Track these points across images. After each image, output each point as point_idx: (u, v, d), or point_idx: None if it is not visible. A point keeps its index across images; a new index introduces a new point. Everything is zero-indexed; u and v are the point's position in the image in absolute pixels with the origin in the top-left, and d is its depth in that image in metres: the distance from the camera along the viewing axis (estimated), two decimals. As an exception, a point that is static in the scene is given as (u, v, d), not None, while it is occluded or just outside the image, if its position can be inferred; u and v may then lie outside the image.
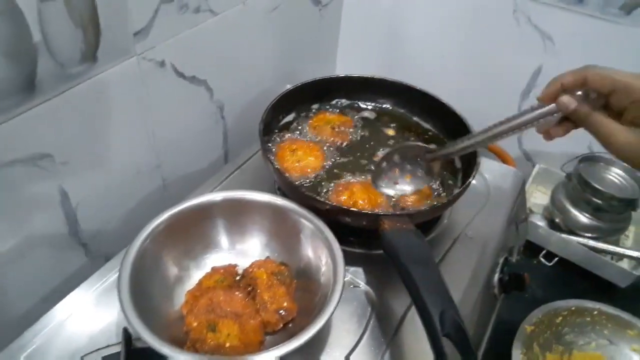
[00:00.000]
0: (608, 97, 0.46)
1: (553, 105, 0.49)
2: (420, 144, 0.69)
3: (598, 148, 0.99)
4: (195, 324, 0.55)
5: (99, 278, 0.64)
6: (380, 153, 0.77)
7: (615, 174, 1.01)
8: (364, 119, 0.85)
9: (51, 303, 0.60)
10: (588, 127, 0.48)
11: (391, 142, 0.81)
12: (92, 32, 0.56)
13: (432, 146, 0.69)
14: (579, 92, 0.48)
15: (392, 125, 0.84)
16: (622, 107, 0.45)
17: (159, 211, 0.60)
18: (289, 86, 0.80)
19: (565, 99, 0.48)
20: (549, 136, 0.52)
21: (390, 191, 0.70)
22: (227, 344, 0.54)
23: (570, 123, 0.50)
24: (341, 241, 0.61)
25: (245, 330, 0.55)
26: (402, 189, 0.69)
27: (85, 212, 0.68)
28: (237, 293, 0.58)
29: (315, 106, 0.86)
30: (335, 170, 0.74)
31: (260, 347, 0.56)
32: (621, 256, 1.01)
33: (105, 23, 0.57)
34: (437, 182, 0.73)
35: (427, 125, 0.85)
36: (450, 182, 0.74)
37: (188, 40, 0.71)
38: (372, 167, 0.74)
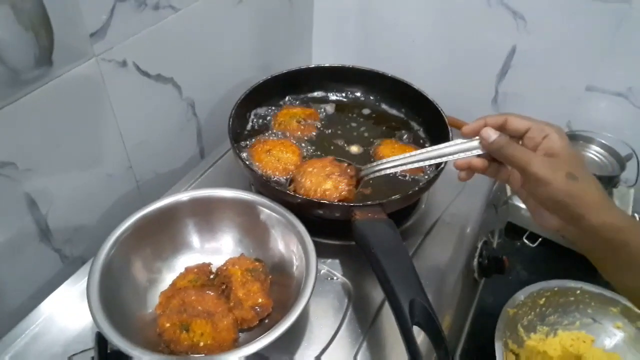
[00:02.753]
0: (523, 136, 0.50)
1: (476, 140, 0.53)
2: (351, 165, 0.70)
3: (577, 126, 1.00)
4: (167, 325, 0.55)
5: (73, 283, 0.63)
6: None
7: (595, 152, 1.00)
8: (332, 108, 0.84)
9: (26, 312, 0.59)
10: (506, 156, 0.50)
11: (355, 133, 0.81)
12: (45, 36, 0.54)
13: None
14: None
15: (359, 114, 0.84)
16: (536, 143, 0.49)
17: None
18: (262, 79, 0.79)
19: (488, 130, 0.51)
20: (470, 171, 0.55)
21: None
22: (201, 344, 0.54)
23: (487, 159, 0.54)
24: (317, 233, 0.60)
25: (218, 328, 0.55)
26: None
27: (56, 218, 0.67)
28: (208, 292, 0.58)
29: (286, 99, 0.85)
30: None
31: (235, 344, 0.55)
32: (604, 233, 1.01)
33: (57, 25, 0.55)
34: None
35: (396, 112, 0.84)
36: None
37: (150, 38, 0.69)
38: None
